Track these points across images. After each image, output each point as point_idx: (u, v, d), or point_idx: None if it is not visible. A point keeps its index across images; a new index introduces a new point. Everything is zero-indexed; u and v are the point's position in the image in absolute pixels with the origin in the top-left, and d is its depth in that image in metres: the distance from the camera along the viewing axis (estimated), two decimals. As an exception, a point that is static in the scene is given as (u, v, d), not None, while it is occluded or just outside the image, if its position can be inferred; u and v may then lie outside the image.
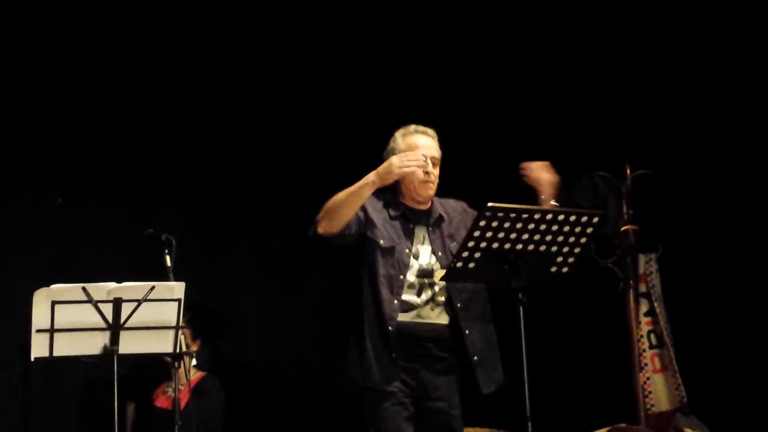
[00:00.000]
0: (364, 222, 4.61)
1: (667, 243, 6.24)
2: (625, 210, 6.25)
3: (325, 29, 6.81)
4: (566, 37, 6.77)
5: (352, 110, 6.74)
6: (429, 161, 4.66)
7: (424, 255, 4.67)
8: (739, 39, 6.42)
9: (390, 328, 4.52)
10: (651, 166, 6.16)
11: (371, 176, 4.50)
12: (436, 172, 4.71)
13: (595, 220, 4.42)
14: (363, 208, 4.60)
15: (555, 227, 4.37)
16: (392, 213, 4.67)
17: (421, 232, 4.71)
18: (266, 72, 6.80)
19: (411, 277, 4.61)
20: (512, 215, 4.30)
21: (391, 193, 4.73)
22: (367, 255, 4.61)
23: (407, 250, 4.63)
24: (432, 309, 4.63)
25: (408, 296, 4.59)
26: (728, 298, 6.35)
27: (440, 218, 4.76)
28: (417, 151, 4.65)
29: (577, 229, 4.40)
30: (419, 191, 4.67)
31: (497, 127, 6.85)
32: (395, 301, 4.55)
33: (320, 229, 4.53)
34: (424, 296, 4.62)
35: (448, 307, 4.65)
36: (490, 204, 4.27)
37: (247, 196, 6.77)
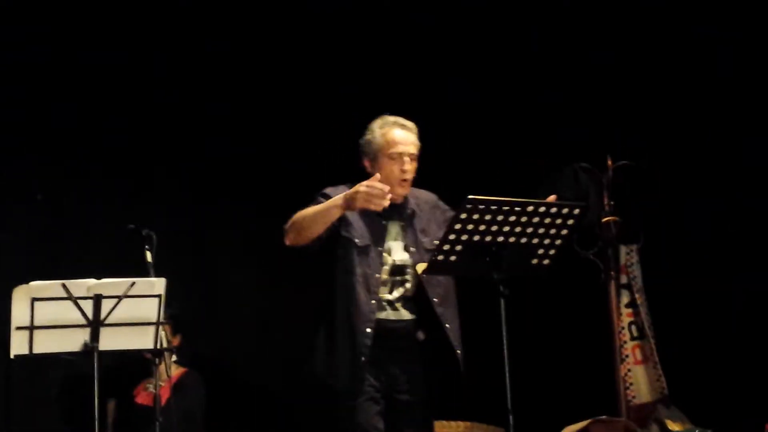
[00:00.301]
0: (337, 223, 4.56)
1: (648, 234, 6.26)
2: (606, 201, 6.27)
3: (325, 29, 6.80)
4: (566, 36, 6.78)
5: (352, 110, 6.72)
6: (406, 158, 4.61)
7: (396, 251, 4.67)
8: (739, 39, 6.46)
9: (367, 329, 4.51)
10: (636, 159, 6.18)
11: (339, 200, 4.41)
12: (414, 166, 4.67)
13: (577, 211, 4.42)
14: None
15: (536, 219, 4.36)
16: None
17: (393, 228, 4.69)
18: (266, 72, 6.79)
19: (385, 275, 4.61)
20: (493, 207, 4.29)
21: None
22: (342, 253, 4.59)
23: (380, 248, 4.62)
24: (403, 305, 4.63)
25: (382, 294, 4.59)
26: (709, 289, 6.37)
27: (413, 213, 4.74)
28: (395, 147, 4.61)
29: (559, 221, 4.40)
30: (395, 190, 4.59)
31: (493, 124, 6.86)
32: (372, 301, 4.55)
33: (287, 241, 4.55)
34: (396, 293, 4.63)
35: (417, 302, 4.64)
36: (470, 197, 4.25)
37: (237, 193, 6.77)
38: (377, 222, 4.63)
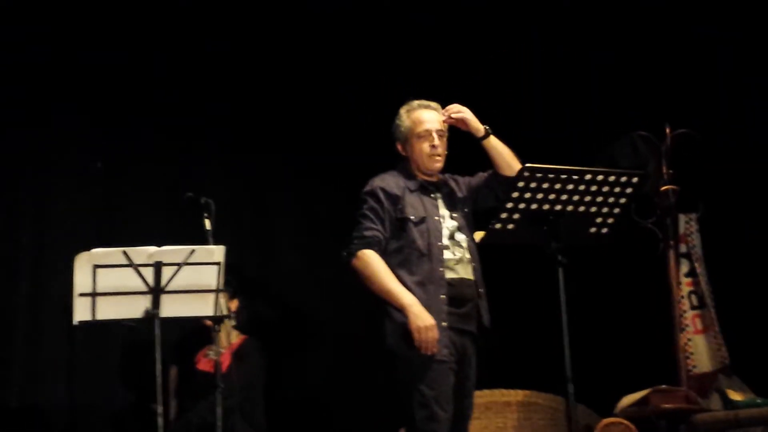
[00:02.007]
0: (392, 208, 4.69)
1: (707, 203, 6.20)
2: (665, 170, 6.22)
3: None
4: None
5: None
6: (434, 135, 4.74)
7: (447, 219, 4.75)
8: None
9: (441, 295, 4.57)
10: (692, 126, 6.12)
11: (405, 304, 4.51)
12: (443, 143, 4.79)
13: (635, 180, 4.40)
14: (392, 197, 4.69)
15: (594, 187, 4.35)
16: (411, 187, 4.75)
17: (439, 200, 4.79)
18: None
19: (445, 240, 4.68)
20: (551, 175, 4.28)
21: (402, 167, 4.82)
22: (401, 229, 4.69)
23: (436, 218, 4.71)
24: (464, 267, 4.69)
25: (447, 257, 4.65)
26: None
27: (452, 190, 4.86)
28: (421, 126, 4.75)
29: (617, 189, 4.38)
30: (427, 165, 4.77)
31: (554, 92, 6.83)
32: (440, 268, 4.61)
33: (353, 268, 4.67)
34: (458, 254, 4.69)
35: (471, 265, 4.71)
36: (527, 164, 4.25)
37: (291, 158, 6.81)
38: (425, 196, 4.75)
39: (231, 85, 6.74)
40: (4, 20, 6.28)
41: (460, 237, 4.72)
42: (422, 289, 4.57)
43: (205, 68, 6.68)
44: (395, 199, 4.69)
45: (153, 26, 6.56)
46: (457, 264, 4.65)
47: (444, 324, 4.53)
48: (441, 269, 4.61)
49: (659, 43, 6.67)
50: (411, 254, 4.63)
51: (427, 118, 4.79)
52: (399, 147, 4.84)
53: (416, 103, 4.85)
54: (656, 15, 6.69)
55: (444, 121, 4.75)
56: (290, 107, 6.83)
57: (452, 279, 4.62)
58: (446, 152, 4.79)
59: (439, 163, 4.79)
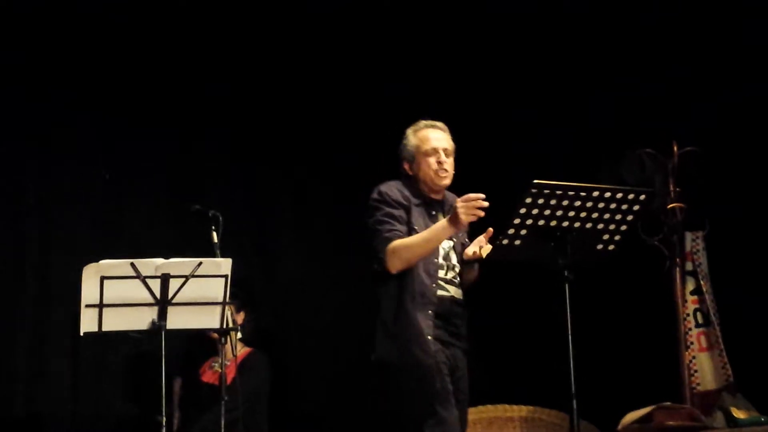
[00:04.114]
0: (403, 214, 4.75)
1: (714, 221, 6.20)
2: (671, 187, 6.22)
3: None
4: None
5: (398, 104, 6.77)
6: (441, 152, 4.79)
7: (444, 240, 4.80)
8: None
9: (429, 310, 4.66)
10: (702, 144, 6.12)
11: (446, 225, 4.58)
12: (450, 161, 4.84)
13: (642, 197, 4.40)
14: (402, 205, 4.74)
15: (602, 204, 4.35)
16: (415, 201, 4.79)
17: (440, 219, 4.81)
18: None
19: (440, 259, 4.75)
20: (558, 192, 4.28)
21: (408, 183, 4.85)
22: None
23: None
24: (456, 287, 4.78)
25: (440, 275, 4.74)
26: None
27: (452, 208, 4.84)
28: (429, 144, 4.80)
29: (624, 207, 4.38)
30: (435, 180, 4.82)
31: (559, 110, 6.85)
32: (433, 284, 4.70)
33: (394, 270, 4.65)
34: (450, 275, 4.77)
35: (460, 288, 4.81)
36: (535, 181, 4.25)
37: (296, 171, 6.82)
38: (428, 212, 4.81)
39: (241, 99, 6.76)
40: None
41: (453, 258, 4.80)
42: (413, 303, 4.64)
43: (215, 81, 6.70)
44: (404, 207, 4.74)
45: (160, 34, 6.57)
46: (448, 284, 4.74)
47: (429, 337, 4.61)
48: (434, 285, 4.69)
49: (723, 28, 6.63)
50: (412, 267, 4.68)
51: (433, 137, 4.85)
52: (406, 166, 4.87)
53: (422, 123, 4.91)
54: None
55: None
56: (296, 118, 6.85)
57: (442, 296, 4.71)
58: (453, 171, 4.84)
59: (446, 180, 4.83)
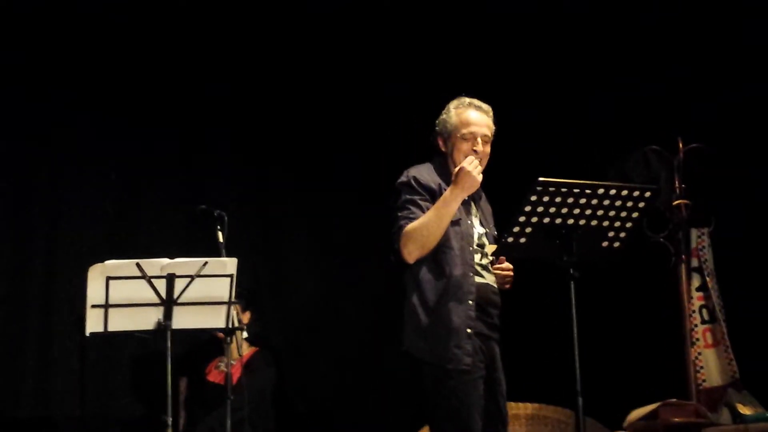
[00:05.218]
0: (430, 200, 4.53)
1: (719, 217, 6.20)
2: (677, 184, 6.22)
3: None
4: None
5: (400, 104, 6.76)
6: (479, 139, 4.58)
7: (477, 225, 4.66)
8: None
9: (470, 300, 4.47)
10: (708, 141, 6.12)
11: (456, 191, 4.42)
12: (487, 150, 4.62)
13: (648, 194, 4.39)
14: (431, 191, 4.53)
15: (607, 202, 4.34)
16: (445, 185, 4.54)
17: (472, 205, 4.68)
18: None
19: (474, 245, 4.58)
20: (563, 190, 4.27)
21: (438, 163, 4.67)
22: None
23: (469, 222, 4.61)
24: (490, 274, 4.61)
25: (477, 261, 4.56)
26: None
27: (482, 197, 4.77)
28: (468, 128, 4.58)
29: (630, 204, 4.37)
30: None
31: (563, 109, 6.84)
32: (470, 274, 4.51)
33: (411, 259, 4.45)
34: (485, 261, 4.60)
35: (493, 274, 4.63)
36: (541, 179, 4.24)
37: (307, 171, 6.83)
38: (465, 200, 4.57)
39: (241, 99, 6.76)
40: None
41: (487, 245, 4.61)
42: (450, 293, 4.44)
43: (215, 81, 6.69)
44: (431, 193, 4.52)
45: (160, 35, 6.57)
46: (484, 269, 4.57)
47: (469, 330, 4.44)
48: (471, 274, 4.50)
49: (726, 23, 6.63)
50: (446, 254, 4.48)
51: (475, 120, 4.60)
52: (440, 141, 4.65)
53: (467, 101, 4.66)
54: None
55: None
56: (296, 118, 6.84)
57: (480, 284, 4.52)
58: (488, 159, 4.62)
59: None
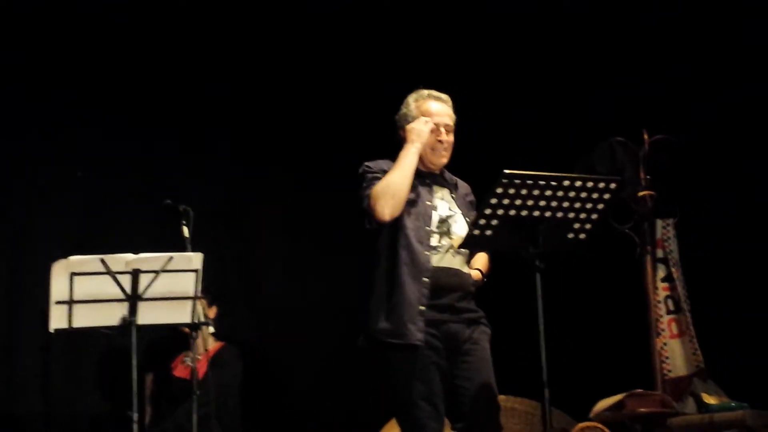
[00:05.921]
0: None
1: (684, 208, 6.23)
2: (642, 175, 6.25)
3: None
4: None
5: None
6: (442, 129, 4.59)
7: (441, 207, 4.62)
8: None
9: (424, 278, 4.44)
10: (672, 132, 6.15)
11: (407, 145, 4.47)
12: (450, 138, 4.63)
13: (613, 186, 4.39)
14: (382, 172, 4.51)
15: (572, 193, 4.34)
16: None
17: (439, 191, 4.65)
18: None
19: (433, 226, 4.54)
20: (529, 182, 4.27)
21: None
22: None
23: (428, 203, 4.57)
24: (453, 256, 4.57)
25: (433, 243, 4.52)
26: (746, 262, 6.33)
27: (456, 185, 4.74)
28: (431, 118, 4.57)
29: (595, 195, 4.37)
30: (431, 158, 4.59)
31: (530, 98, 6.85)
32: (426, 252, 4.48)
33: (387, 217, 4.41)
34: (444, 242, 4.55)
35: (460, 256, 4.59)
36: (506, 171, 4.24)
37: (273, 165, 6.83)
38: (421, 181, 4.58)
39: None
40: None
41: (454, 228, 4.57)
42: (408, 269, 4.43)
43: (188, 77, 6.66)
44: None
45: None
46: (446, 252, 4.51)
47: (422, 308, 4.41)
48: (427, 253, 4.47)
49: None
50: (398, 231, 4.45)
51: (436, 111, 4.61)
52: (402, 134, 4.61)
53: (426, 92, 4.66)
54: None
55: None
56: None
57: (437, 267, 4.48)
58: (452, 148, 4.62)
59: (444, 158, 4.62)
